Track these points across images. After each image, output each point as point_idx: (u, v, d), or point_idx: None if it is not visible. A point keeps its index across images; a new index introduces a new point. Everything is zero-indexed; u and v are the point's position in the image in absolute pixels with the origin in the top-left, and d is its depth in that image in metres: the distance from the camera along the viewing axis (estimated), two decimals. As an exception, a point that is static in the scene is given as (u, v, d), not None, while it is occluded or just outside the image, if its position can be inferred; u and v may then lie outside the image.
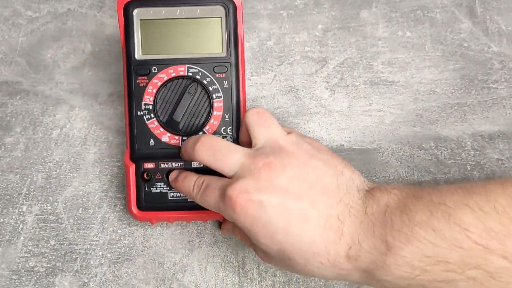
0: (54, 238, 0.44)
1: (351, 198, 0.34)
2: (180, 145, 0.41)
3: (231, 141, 0.41)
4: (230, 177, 0.36)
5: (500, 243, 0.29)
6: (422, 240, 0.31)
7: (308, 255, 0.33)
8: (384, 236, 0.31)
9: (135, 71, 0.41)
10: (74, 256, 0.44)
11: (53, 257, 0.44)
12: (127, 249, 0.44)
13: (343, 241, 0.33)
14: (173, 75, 0.41)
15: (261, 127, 0.37)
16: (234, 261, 0.43)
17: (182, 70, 0.41)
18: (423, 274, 0.31)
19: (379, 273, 0.32)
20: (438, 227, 0.30)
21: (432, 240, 0.30)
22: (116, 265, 0.43)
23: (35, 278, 0.43)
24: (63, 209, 0.45)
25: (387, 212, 0.32)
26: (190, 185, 0.38)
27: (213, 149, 0.36)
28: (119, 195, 0.46)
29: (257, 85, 0.50)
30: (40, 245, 0.44)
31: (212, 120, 0.41)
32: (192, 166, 0.41)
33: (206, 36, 0.41)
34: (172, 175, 0.40)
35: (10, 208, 0.45)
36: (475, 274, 0.30)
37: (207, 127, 0.41)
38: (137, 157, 0.41)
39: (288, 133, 0.38)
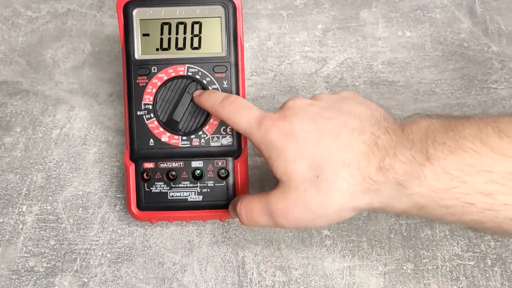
0: (54, 238, 0.44)
1: (387, 122, 0.35)
2: (179, 145, 0.41)
3: (231, 141, 0.41)
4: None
5: None
6: (467, 150, 0.30)
7: (339, 167, 0.33)
8: (424, 148, 0.31)
9: (135, 71, 0.41)
10: (74, 256, 0.44)
11: (53, 257, 0.44)
12: (127, 249, 0.44)
13: (376, 152, 0.33)
14: (173, 75, 0.41)
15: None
16: (234, 261, 0.43)
17: (181, 69, 0.41)
18: (461, 186, 0.30)
19: (413, 185, 0.31)
20: (486, 139, 0.30)
21: (478, 149, 0.30)
22: (116, 265, 0.43)
23: (35, 278, 0.43)
24: (63, 209, 0.45)
25: (429, 130, 0.32)
26: (219, 97, 0.38)
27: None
28: (119, 195, 0.46)
29: (257, 85, 0.50)
30: (40, 245, 0.44)
31: (211, 120, 0.41)
32: (192, 166, 0.41)
33: (206, 36, 0.41)
34: (197, 92, 0.41)
35: (10, 208, 0.45)
36: None
37: (206, 127, 0.41)
38: (137, 157, 0.41)
39: None
